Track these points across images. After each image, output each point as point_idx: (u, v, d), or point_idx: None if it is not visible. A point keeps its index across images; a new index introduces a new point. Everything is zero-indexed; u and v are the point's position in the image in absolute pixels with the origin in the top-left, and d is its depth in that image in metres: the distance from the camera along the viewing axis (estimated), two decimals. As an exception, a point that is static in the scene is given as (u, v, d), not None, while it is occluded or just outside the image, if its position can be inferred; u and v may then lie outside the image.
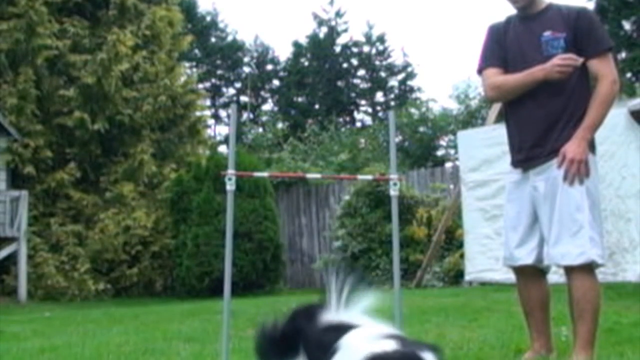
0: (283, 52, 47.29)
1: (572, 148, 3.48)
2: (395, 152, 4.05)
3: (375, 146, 24.23)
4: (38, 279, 14.63)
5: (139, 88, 16.78)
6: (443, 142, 26.36)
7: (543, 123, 3.59)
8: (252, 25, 63.72)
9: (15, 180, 15.58)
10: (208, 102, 31.13)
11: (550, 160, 3.55)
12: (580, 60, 3.52)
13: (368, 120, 34.92)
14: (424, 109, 27.01)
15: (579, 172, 3.47)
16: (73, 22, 16.53)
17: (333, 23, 34.82)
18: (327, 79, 34.34)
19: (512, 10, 3.79)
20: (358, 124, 34.11)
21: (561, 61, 3.49)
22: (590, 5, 20.97)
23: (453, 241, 12.00)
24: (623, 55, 23.34)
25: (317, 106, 34.31)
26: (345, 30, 34.90)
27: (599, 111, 3.53)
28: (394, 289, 3.88)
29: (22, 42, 15.59)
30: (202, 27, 33.24)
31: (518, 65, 3.63)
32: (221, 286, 4.09)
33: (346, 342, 1.79)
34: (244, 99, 34.45)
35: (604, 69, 3.55)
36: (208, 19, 34.95)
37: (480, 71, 3.84)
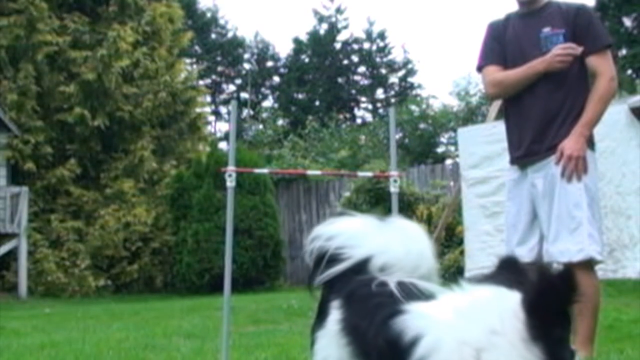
0: (283, 49, 47.16)
1: (570, 144, 3.47)
2: (396, 149, 4.05)
3: (376, 143, 24.21)
4: (38, 275, 14.64)
5: (139, 84, 16.78)
6: (443, 139, 26.36)
7: (542, 119, 3.58)
8: (252, 22, 63.80)
9: (16, 176, 15.58)
10: (208, 99, 31.11)
11: (548, 157, 3.55)
12: (580, 49, 3.52)
13: (368, 117, 34.92)
14: (424, 106, 26.99)
15: (577, 168, 3.46)
16: (73, 18, 16.53)
17: (333, 20, 34.79)
18: (328, 76, 34.32)
19: (511, 8, 3.79)
20: (358, 121, 34.10)
21: (562, 50, 3.49)
22: (591, 2, 20.99)
23: (453, 238, 12.00)
24: (624, 52, 23.33)
25: (317, 103, 34.31)
26: (346, 27, 34.89)
27: (597, 108, 3.53)
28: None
29: (22, 38, 15.59)
30: (202, 24, 33.22)
31: (517, 61, 3.63)
32: (221, 282, 4.10)
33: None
34: (244, 95, 34.44)
35: (603, 66, 3.55)
36: (208, 15, 34.93)
37: (480, 69, 3.84)
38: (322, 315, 2.04)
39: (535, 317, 1.61)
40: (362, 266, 2.01)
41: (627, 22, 24.23)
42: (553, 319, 1.63)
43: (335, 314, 1.96)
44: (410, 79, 35.16)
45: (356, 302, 1.92)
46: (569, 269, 1.70)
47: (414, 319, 1.70)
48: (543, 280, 1.66)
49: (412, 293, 1.82)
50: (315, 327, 2.05)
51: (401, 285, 1.86)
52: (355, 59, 35.41)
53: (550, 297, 1.63)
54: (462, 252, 10.94)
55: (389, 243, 2.01)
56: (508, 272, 1.82)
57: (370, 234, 2.06)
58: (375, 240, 2.03)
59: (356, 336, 1.87)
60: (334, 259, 2.07)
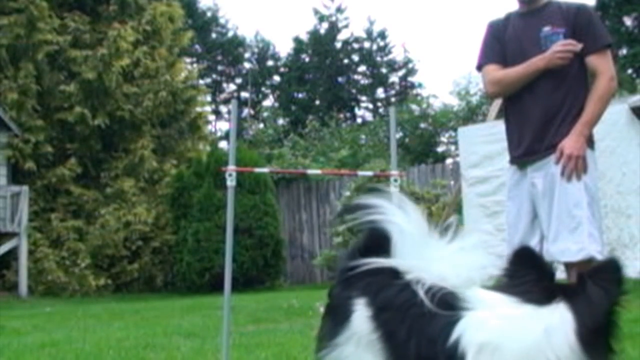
0: (284, 48, 47.41)
1: (569, 144, 3.47)
2: (396, 148, 4.05)
3: (376, 142, 24.22)
4: (39, 274, 14.64)
5: (140, 83, 16.78)
6: (444, 139, 26.36)
7: (541, 118, 3.58)
8: (252, 21, 63.80)
9: (16, 175, 15.58)
10: (208, 98, 31.11)
11: (548, 156, 3.55)
12: (580, 45, 3.52)
13: (369, 116, 34.92)
14: (424, 105, 26.99)
15: (577, 168, 3.46)
16: (74, 18, 16.53)
17: (334, 19, 34.78)
18: (328, 75, 34.31)
19: (511, 7, 3.79)
20: (359, 120, 34.09)
21: (562, 47, 3.49)
22: (592, 1, 20.97)
23: (453, 237, 12.00)
24: (624, 51, 23.33)
25: (317, 102, 34.30)
26: (346, 26, 34.89)
27: (597, 107, 3.53)
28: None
29: (22, 37, 15.59)
30: (202, 23, 33.22)
31: (517, 60, 3.63)
32: (221, 282, 4.10)
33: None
34: (244, 94, 34.44)
35: (602, 65, 3.54)
36: (209, 14, 34.93)
37: (479, 67, 3.84)
38: (341, 316, 1.84)
39: (593, 339, 1.62)
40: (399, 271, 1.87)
41: (628, 21, 24.24)
42: (608, 334, 1.60)
43: (362, 311, 1.82)
44: (410, 79, 35.18)
45: (392, 309, 1.79)
46: (613, 262, 1.65)
47: (457, 343, 1.64)
48: (596, 299, 1.65)
49: (449, 305, 1.73)
50: (332, 331, 1.85)
51: (436, 293, 1.76)
52: (355, 58, 35.40)
53: (605, 312, 1.59)
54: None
55: (442, 269, 1.84)
56: (527, 267, 1.78)
57: (427, 247, 1.90)
58: (428, 259, 1.87)
59: (394, 347, 1.75)
60: (378, 245, 1.92)
